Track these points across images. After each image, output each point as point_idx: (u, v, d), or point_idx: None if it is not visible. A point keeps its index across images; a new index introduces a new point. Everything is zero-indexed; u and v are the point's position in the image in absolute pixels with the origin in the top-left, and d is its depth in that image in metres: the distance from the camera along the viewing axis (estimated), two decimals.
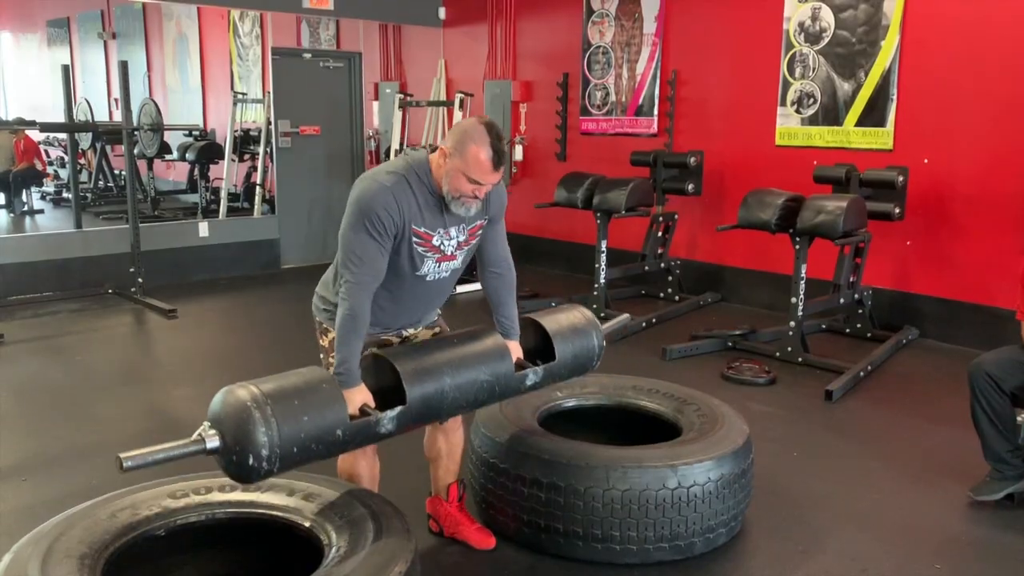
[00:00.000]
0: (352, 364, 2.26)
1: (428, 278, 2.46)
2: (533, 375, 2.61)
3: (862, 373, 4.57)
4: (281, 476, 2.29)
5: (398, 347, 2.49)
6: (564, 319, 2.76)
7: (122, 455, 1.91)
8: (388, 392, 2.31)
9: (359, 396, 2.24)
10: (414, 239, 2.36)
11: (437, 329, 2.70)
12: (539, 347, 2.71)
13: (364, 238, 2.28)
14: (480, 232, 2.52)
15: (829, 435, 3.87)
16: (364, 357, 2.33)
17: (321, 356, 2.58)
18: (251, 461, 1.98)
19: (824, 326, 5.52)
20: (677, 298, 6.34)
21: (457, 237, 2.45)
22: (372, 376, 2.34)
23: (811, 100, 5.78)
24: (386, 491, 2.45)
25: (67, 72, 7.99)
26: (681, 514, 2.59)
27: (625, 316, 3.21)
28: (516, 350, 2.59)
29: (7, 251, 6.36)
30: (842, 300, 5.17)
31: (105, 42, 12.63)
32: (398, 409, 2.26)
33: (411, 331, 2.64)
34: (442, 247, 2.43)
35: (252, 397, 2.01)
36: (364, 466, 2.56)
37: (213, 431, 2.01)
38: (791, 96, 5.88)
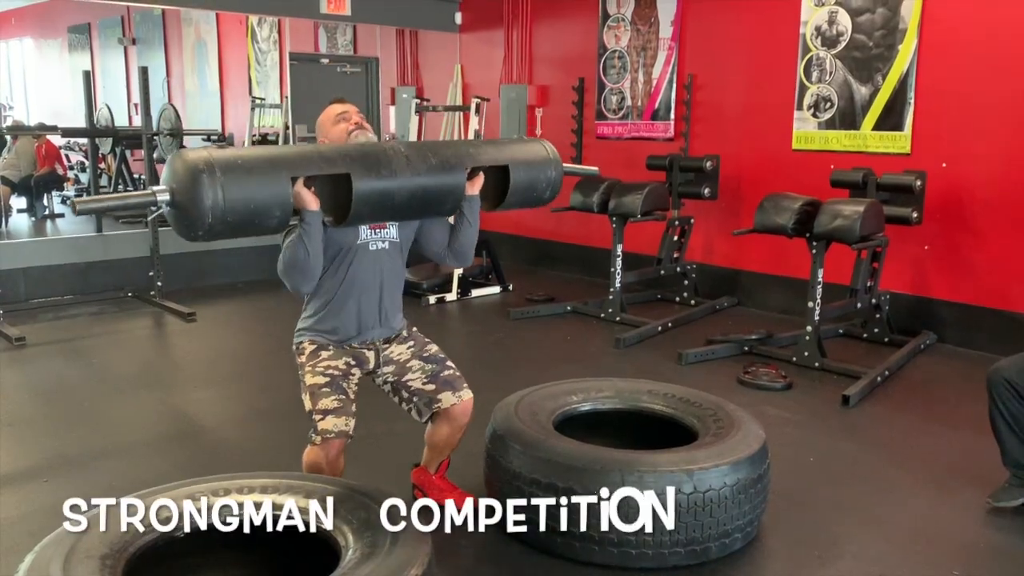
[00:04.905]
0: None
1: (370, 247, 2.66)
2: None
3: (879, 378, 4.54)
4: (298, 479, 2.31)
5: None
6: (523, 148, 2.88)
7: (76, 200, 2.23)
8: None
9: (310, 196, 2.42)
10: None
11: (412, 343, 2.83)
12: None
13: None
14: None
15: (846, 440, 3.85)
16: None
17: (300, 373, 2.69)
18: (195, 216, 2.18)
19: (841, 331, 5.50)
20: (693, 302, 6.32)
21: None
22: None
23: (828, 104, 5.76)
24: (391, 485, 2.46)
25: (88, 78, 8.11)
26: (697, 519, 2.59)
27: (594, 168, 3.49)
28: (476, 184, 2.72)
29: (29, 255, 6.44)
30: (859, 305, 5.15)
31: (125, 48, 12.76)
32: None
33: (386, 346, 2.77)
34: None
35: (204, 161, 2.20)
36: (327, 464, 2.60)
37: (163, 187, 2.24)
38: (808, 100, 5.86)
